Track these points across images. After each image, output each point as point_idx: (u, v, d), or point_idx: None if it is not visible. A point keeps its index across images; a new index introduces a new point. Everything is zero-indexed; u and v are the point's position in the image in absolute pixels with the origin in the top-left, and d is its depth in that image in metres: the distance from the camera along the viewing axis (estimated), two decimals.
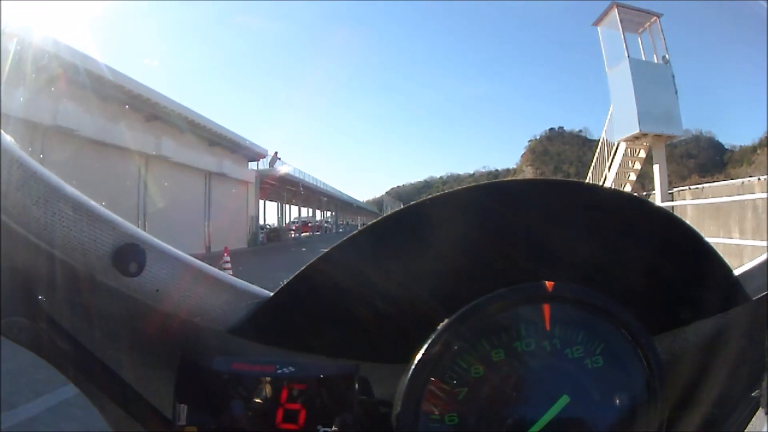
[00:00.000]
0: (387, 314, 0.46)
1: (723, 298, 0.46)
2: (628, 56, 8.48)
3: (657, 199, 7.99)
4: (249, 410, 0.40)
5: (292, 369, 0.41)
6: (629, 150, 9.03)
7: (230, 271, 5.12)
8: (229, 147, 18.52)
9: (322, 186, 33.27)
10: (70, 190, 0.39)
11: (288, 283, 0.47)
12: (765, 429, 0.40)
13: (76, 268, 0.39)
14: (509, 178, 0.49)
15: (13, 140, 0.37)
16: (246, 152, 20.46)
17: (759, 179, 6.25)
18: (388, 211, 0.48)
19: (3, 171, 0.35)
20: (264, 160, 22.99)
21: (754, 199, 5.62)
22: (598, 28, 9.03)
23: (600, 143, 10.01)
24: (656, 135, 8.51)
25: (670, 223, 0.46)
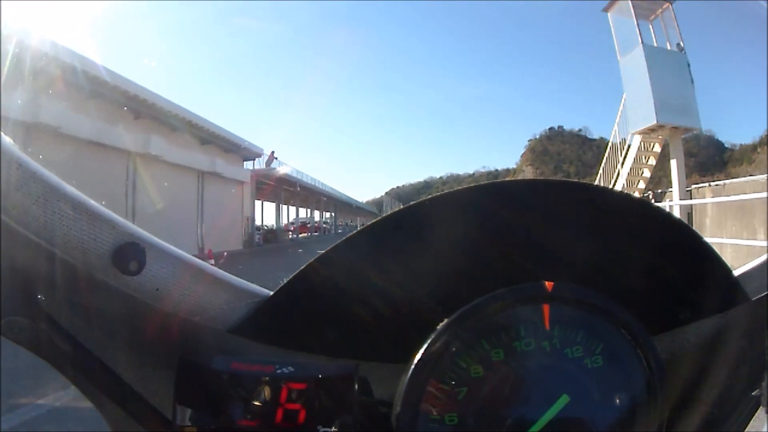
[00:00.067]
0: (386, 314, 0.48)
1: (723, 298, 0.48)
2: (642, 42, 8.22)
3: (675, 197, 7.84)
4: (248, 410, 0.42)
5: (291, 369, 0.42)
6: (643, 144, 8.80)
7: None
8: (222, 146, 18.57)
9: (320, 186, 33.42)
10: (70, 189, 0.40)
11: (288, 282, 0.49)
12: (765, 429, 0.42)
13: (75, 267, 0.41)
14: (509, 179, 0.51)
15: (12, 140, 0.39)
16: (241, 151, 20.50)
17: None
18: (388, 212, 0.50)
19: (3, 171, 0.37)
20: (260, 159, 23.06)
21: None
22: (609, 15, 8.77)
23: (612, 136, 9.73)
24: (673, 127, 8.26)
25: (669, 224, 0.48)
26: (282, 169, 24.26)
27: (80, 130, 10.76)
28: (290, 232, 30.88)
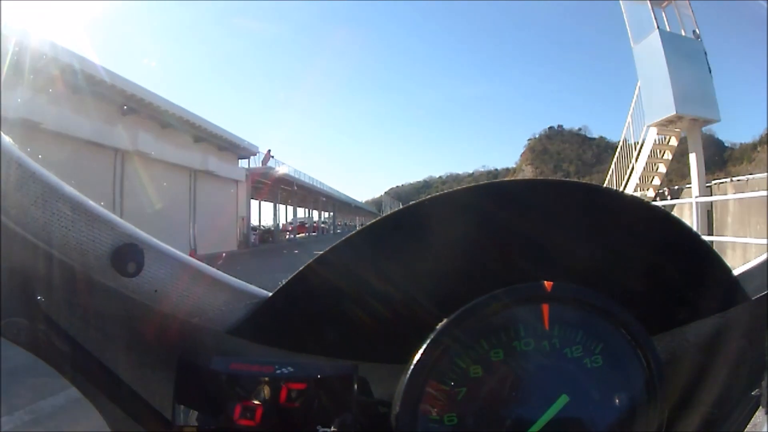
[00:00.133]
0: (386, 315, 0.50)
1: (722, 297, 0.50)
2: (658, 27, 7.98)
3: (693, 193, 7.69)
4: (247, 410, 0.43)
5: (291, 369, 0.44)
6: (659, 137, 8.60)
7: None
8: (216, 143, 18.54)
9: (318, 186, 33.53)
10: (69, 190, 0.42)
11: (287, 282, 0.51)
12: (765, 429, 0.44)
13: (74, 268, 0.42)
14: (508, 178, 0.53)
15: (11, 140, 0.41)
16: (235, 149, 20.49)
17: None
18: (387, 212, 0.52)
19: (2, 171, 0.38)
20: (255, 157, 23.10)
21: None
22: (621, 1, 8.69)
23: (624, 129, 9.45)
24: (693, 119, 7.99)
25: (668, 223, 0.50)
26: (281, 169, 24.35)
27: (62, 126, 10.61)
28: (288, 233, 30.95)
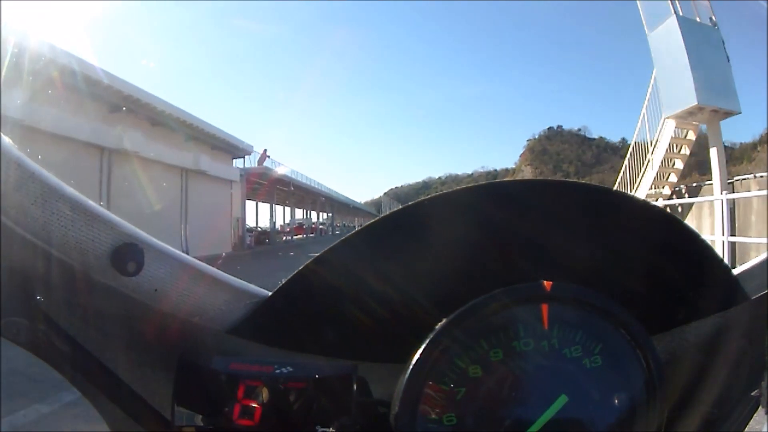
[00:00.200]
0: (385, 315, 0.52)
1: (722, 297, 0.52)
2: (675, 13, 7.77)
3: (715, 190, 7.49)
4: (247, 410, 0.45)
5: (290, 369, 0.46)
6: (677, 131, 8.42)
7: None
8: (209, 142, 18.55)
9: (316, 186, 33.61)
10: (69, 189, 0.44)
11: (286, 282, 0.53)
12: (765, 429, 0.46)
13: (74, 267, 0.44)
14: (508, 179, 0.55)
15: (11, 141, 0.42)
16: (229, 149, 20.51)
17: None
18: (387, 212, 0.54)
19: (2, 171, 0.40)
20: (249, 157, 23.16)
21: None
22: None
23: (639, 121, 9.20)
24: (713, 110, 7.76)
25: (668, 223, 0.52)
26: (279, 169, 24.45)
27: (45, 122, 10.51)
28: (285, 234, 31.02)
